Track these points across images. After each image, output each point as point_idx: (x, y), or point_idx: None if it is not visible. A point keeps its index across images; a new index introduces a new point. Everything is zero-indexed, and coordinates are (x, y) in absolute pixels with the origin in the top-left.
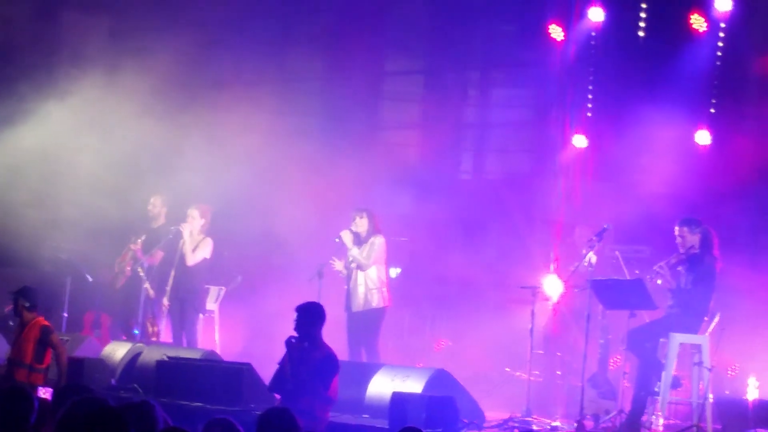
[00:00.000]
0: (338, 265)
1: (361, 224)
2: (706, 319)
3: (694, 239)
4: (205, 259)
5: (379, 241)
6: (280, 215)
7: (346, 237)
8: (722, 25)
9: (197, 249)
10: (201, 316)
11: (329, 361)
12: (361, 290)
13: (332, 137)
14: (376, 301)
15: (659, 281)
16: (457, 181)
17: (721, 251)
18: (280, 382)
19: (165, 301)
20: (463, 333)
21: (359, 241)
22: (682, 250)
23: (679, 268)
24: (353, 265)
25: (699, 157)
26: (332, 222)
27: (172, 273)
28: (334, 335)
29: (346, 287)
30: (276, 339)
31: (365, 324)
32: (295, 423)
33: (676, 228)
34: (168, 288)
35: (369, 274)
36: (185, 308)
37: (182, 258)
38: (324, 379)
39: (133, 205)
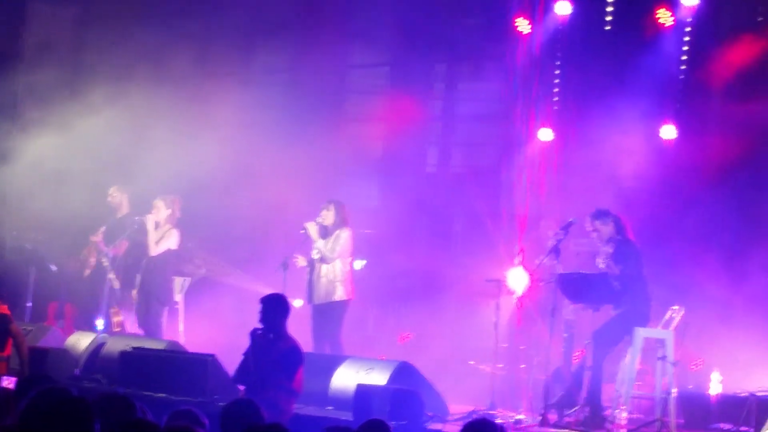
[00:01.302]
0: (301, 261)
1: (328, 216)
2: (669, 314)
3: (608, 229)
4: (169, 250)
5: (344, 234)
6: (245, 207)
7: (312, 229)
8: (689, 19)
9: (161, 240)
10: (165, 307)
11: (293, 352)
12: (323, 282)
13: (297, 130)
14: (338, 294)
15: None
16: (422, 174)
17: (687, 246)
18: (244, 373)
19: (134, 292)
20: (428, 326)
21: (325, 233)
22: (600, 243)
23: (605, 259)
24: (317, 256)
25: (664, 152)
26: (297, 214)
27: (143, 264)
28: (299, 327)
29: (308, 278)
30: (240, 330)
31: (327, 316)
32: (260, 414)
33: (588, 223)
34: (137, 279)
35: (332, 267)
36: (149, 299)
37: (147, 249)
38: (288, 371)
39: (97, 195)
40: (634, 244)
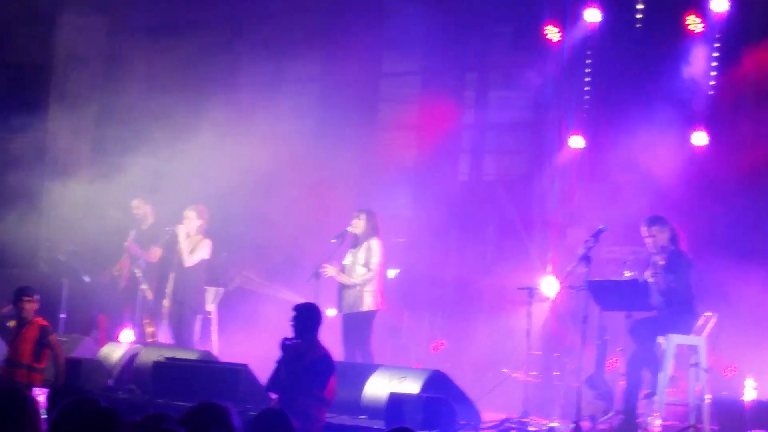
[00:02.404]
0: (330, 270)
1: (358, 225)
2: (701, 321)
3: (664, 237)
4: (203, 260)
5: (375, 244)
6: (277, 217)
7: (332, 271)
8: (718, 25)
9: (195, 250)
10: (198, 317)
11: (324, 361)
12: (351, 291)
13: (330, 139)
14: (367, 304)
15: (628, 273)
16: (454, 183)
17: (719, 252)
18: (276, 382)
19: (165, 302)
20: (461, 334)
21: (356, 242)
22: (653, 250)
23: (655, 266)
24: (349, 262)
25: (696, 158)
26: (330, 223)
27: (172, 275)
28: (333, 336)
29: (338, 287)
30: (273, 340)
31: (356, 326)
32: (290, 424)
33: (645, 228)
34: (168, 290)
35: (367, 278)
36: (183, 309)
37: (180, 259)
38: (319, 380)
39: (129, 205)
40: (687, 256)
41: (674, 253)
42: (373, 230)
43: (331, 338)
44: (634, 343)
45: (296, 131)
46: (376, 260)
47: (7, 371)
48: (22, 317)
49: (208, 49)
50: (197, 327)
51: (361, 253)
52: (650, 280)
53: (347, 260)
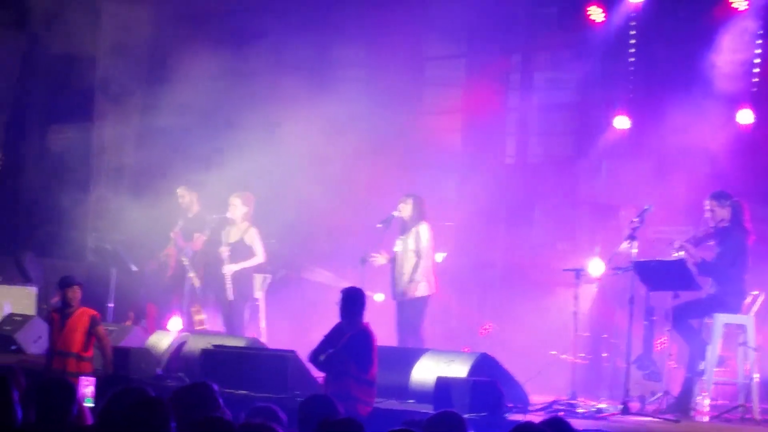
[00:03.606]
0: (380, 259)
1: (405, 210)
2: (749, 300)
3: (723, 213)
4: (250, 248)
5: (423, 229)
6: (324, 202)
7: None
8: (763, 2)
9: (254, 244)
10: (247, 304)
11: (362, 336)
12: (405, 279)
13: (375, 124)
14: (421, 290)
15: (677, 254)
16: (500, 165)
17: (765, 228)
18: (316, 355)
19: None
20: (509, 317)
21: (404, 227)
22: (711, 224)
23: (710, 242)
24: (399, 249)
25: (742, 136)
26: (376, 208)
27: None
28: (384, 321)
29: (391, 274)
30: (321, 326)
31: (410, 311)
32: (335, 408)
33: (706, 202)
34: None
35: (418, 264)
36: (234, 302)
37: (231, 247)
38: (360, 362)
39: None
40: (742, 234)
41: (727, 229)
42: (420, 215)
43: (384, 324)
44: (676, 332)
45: (341, 117)
46: (425, 245)
47: (56, 360)
48: (68, 306)
49: (251, 38)
50: (246, 314)
51: (410, 239)
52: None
53: (398, 247)
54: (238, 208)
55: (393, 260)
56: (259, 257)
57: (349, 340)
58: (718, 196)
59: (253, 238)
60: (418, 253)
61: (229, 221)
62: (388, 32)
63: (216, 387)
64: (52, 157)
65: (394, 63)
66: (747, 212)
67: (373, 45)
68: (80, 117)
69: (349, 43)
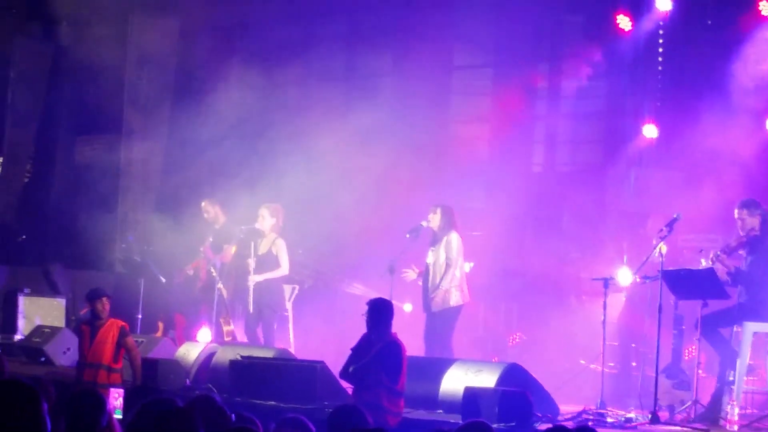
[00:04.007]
0: (411, 274)
1: (434, 219)
2: None
3: (754, 221)
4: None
5: (454, 238)
6: (351, 212)
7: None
8: None
9: (280, 256)
10: (277, 315)
11: (391, 348)
12: (438, 291)
13: (402, 133)
14: (454, 300)
15: (705, 262)
16: (528, 174)
17: None
18: (347, 369)
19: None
20: (537, 326)
21: (435, 238)
22: (742, 233)
23: (741, 252)
24: (431, 261)
25: None
26: (404, 217)
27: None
28: (412, 331)
29: (423, 286)
30: (349, 336)
31: (441, 321)
32: (365, 418)
33: (736, 211)
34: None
35: (448, 274)
36: (261, 308)
37: (259, 258)
38: (389, 371)
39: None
40: None
41: (758, 238)
42: (450, 225)
43: (412, 335)
44: (706, 340)
45: (370, 127)
46: (453, 254)
47: (87, 373)
48: (97, 318)
49: (279, 47)
50: (275, 325)
51: (441, 250)
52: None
53: (429, 259)
54: (266, 220)
55: (425, 272)
56: (284, 269)
57: (379, 352)
58: (749, 205)
59: (280, 250)
60: (449, 262)
61: (258, 233)
62: (416, 42)
63: (218, 398)
64: (81, 169)
65: (422, 72)
66: None
67: (401, 54)
68: (108, 129)
69: (378, 52)
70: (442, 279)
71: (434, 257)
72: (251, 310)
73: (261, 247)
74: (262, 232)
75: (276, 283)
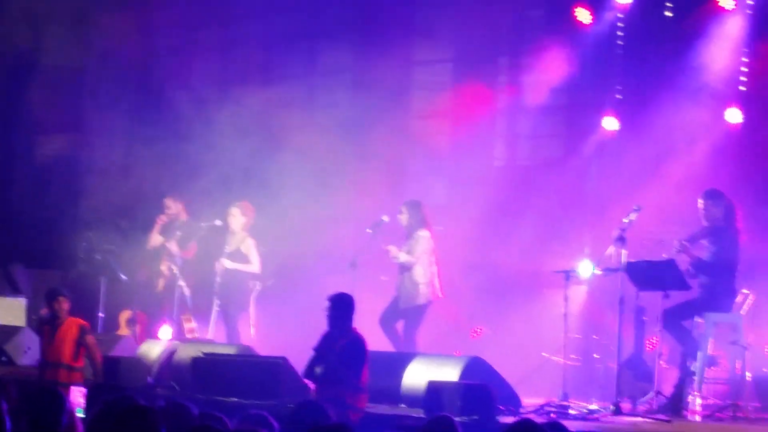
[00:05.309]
0: (393, 250)
1: (402, 219)
2: (739, 298)
3: (717, 212)
4: (246, 257)
5: (422, 235)
6: (311, 208)
7: (394, 251)
8: (750, 2)
9: (249, 254)
10: (243, 312)
11: (354, 345)
12: (407, 285)
13: (363, 129)
14: (422, 297)
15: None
16: (490, 169)
17: (755, 227)
18: (312, 369)
19: (216, 301)
20: (499, 319)
21: (407, 235)
22: (706, 223)
23: (703, 241)
24: (402, 257)
25: (730, 136)
26: (364, 213)
27: (218, 273)
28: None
29: (396, 282)
30: (311, 331)
31: (408, 318)
32: (326, 415)
33: (700, 201)
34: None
35: (415, 270)
36: (227, 305)
37: (228, 256)
38: (351, 367)
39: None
40: (735, 234)
41: (720, 229)
42: (419, 222)
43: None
44: (668, 332)
45: (328, 122)
46: (417, 252)
47: (48, 372)
48: (56, 318)
49: (239, 44)
50: (241, 323)
51: (410, 247)
52: (681, 255)
53: (402, 255)
54: (237, 218)
55: (398, 266)
56: (255, 266)
57: (342, 350)
58: (713, 195)
59: (249, 248)
60: (412, 260)
61: (219, 229)
62: (376, 37)
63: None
64: (41, 167)
65: (382, 68)
66: (739, 212)
67: (361, 50)
68: (69, 128)
69: (337, 48)
70: (410, 275)
71: (405, 254)
72: (217, 299)
73: (231, 245)
74: (232, 231)
75: (244, 279)
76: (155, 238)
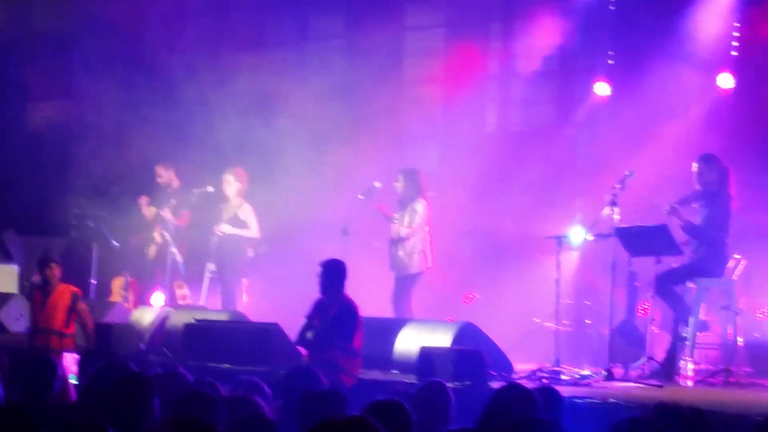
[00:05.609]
0: (395, 228)
1: (398, 188)
2: (731, 263)
3: (711, 176)
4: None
5: (419, 206)
6: (304, 175)
7: (395, 228)
8: None
9: (248, 219)
10: (242, 279)
11: (346, 311)
12: (401, 254)
13: (355, 95)
14: (415, 266)
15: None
16: (482, 135)
17: (747, 193)
18: (304, 335)
19: (210, 266)
20: (491, 285)
21: (402, 204)
22: (698, 187)
23: (695, 205)
24: (395, 225)
25: (722, 101)
26: (356, 180)
27: (215, 239)
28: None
29: (389, 250)
30: (304, 298)
31: (403, 286)
32: (319, 380)
33: (694, 164)
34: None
35: (411, 240)
36: (225, 271)
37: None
38: (343, 332)
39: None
40: (728, 199)
41: (713, 194)
42: (416, 191)
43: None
44: (660, 297)
45: (321, 89)
46: (417, 221)
47: (39, 338)
48: (48, 284)
49: (231, 10)
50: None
51: (406, 216)
52: (672, 219)
53: (395, 223)
54: (231, 185)
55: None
56: (254, 231)
57: (335, 315)
58: (708, 159)
59: (248, 214)
60: (411, 229)
61: (213, 196)
62: (368, 3)
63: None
64: (33, 134)
65: (374, 34)
66: (733, 178)
67: (353, 16)
68: (60, 95)
69: (329, 14)
70: (404, 245)
71: (399, 222)
72: (213, 263)
73: (229, 212)
74: (226, 198)
75: (241, 245)
76: (148, 211)
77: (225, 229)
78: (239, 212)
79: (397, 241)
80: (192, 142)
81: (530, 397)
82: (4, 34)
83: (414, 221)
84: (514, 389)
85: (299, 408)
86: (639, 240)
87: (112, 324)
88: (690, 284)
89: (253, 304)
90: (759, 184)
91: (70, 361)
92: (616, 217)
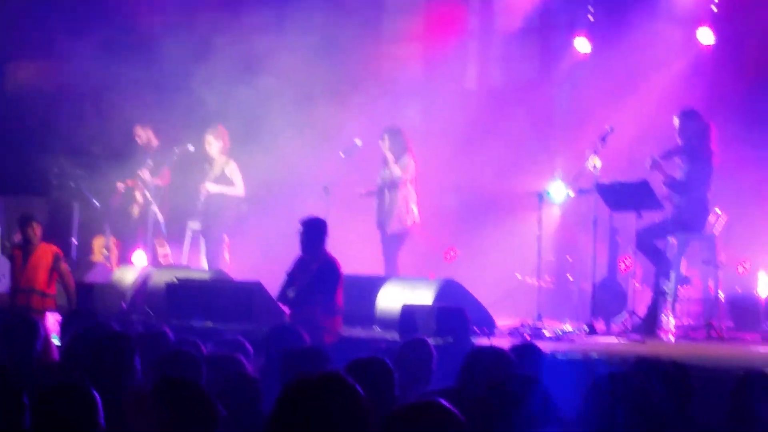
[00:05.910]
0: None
1: (384, 145)
2: (712, 218)
3: (692, 130)
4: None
5: (405, 161)
6: (285, 134)
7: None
8: None
9: (234, 177)
10: (226, 238)
11: (327, 268)
12: (395, 211)
13: (335, 53)
14: (409, 221)
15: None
16: (462, 91)
17: (728, 148)
18: (285, 292)
19: (192, 224)
20: (473, 242)
21: (385, 160)
22: (679, 141)
23: (677, 159)
24: (384, 179)
25: (703, 56)
26: (338, 138)
27: (202, 197)
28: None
29: (376, 208)
30: (285, 256)
31: (394, 242)
32: (301, 337)
33: (675, 118)
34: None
35: (399, 196)
36: (210, 230)
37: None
38: (323, 288)
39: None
40: (709, 154)
41: (693, 148)
42: (401, 149)
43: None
44: (641, 252)
45: (301, 47)
46: (407, 176)
47: (20, 297)
48: (29, 243)
49: None
50: (223, 247)
51: (395, 170)
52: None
53: (380, 180)
54: (213, 145)
55: (378, 192)
56: (239, 189)
57: (316, 272)
58: (688, 114)
59: (233, 171)
60: (394, 185)
61: (195, 155)
62: None
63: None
64: (12, 95)
65: None
66: (714, 133)
67: None
68: (39, 54)
69: None
70: (393, 197)
71: (382, 179)
72: (198, 222)
73: (215, 170)
74: (210, 157)
75: (227, 203)
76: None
77: (211, 188)
78: (225, 169)
79: (386, 188)
80: (174, 103)
81: (503, 355)
82: None
83: (405, 175)
84: (485, 350)
85: (281, 366)
86: (620, 195)
87: (93, 284)
88: (671, 239)
89: (235, 262)
90: (740, 138)
91: (52, 321)
92: (597, 172)
